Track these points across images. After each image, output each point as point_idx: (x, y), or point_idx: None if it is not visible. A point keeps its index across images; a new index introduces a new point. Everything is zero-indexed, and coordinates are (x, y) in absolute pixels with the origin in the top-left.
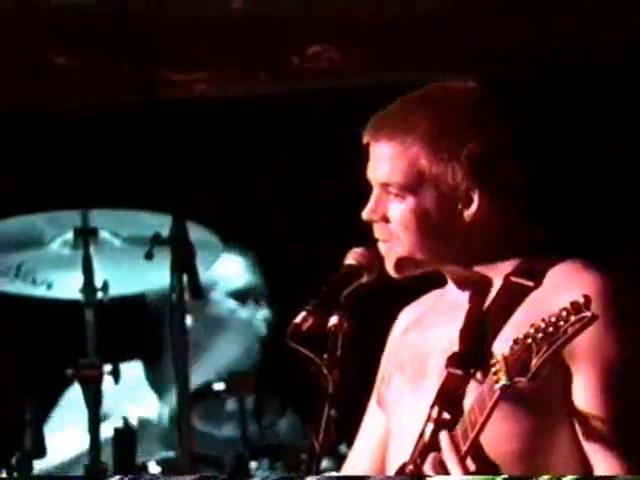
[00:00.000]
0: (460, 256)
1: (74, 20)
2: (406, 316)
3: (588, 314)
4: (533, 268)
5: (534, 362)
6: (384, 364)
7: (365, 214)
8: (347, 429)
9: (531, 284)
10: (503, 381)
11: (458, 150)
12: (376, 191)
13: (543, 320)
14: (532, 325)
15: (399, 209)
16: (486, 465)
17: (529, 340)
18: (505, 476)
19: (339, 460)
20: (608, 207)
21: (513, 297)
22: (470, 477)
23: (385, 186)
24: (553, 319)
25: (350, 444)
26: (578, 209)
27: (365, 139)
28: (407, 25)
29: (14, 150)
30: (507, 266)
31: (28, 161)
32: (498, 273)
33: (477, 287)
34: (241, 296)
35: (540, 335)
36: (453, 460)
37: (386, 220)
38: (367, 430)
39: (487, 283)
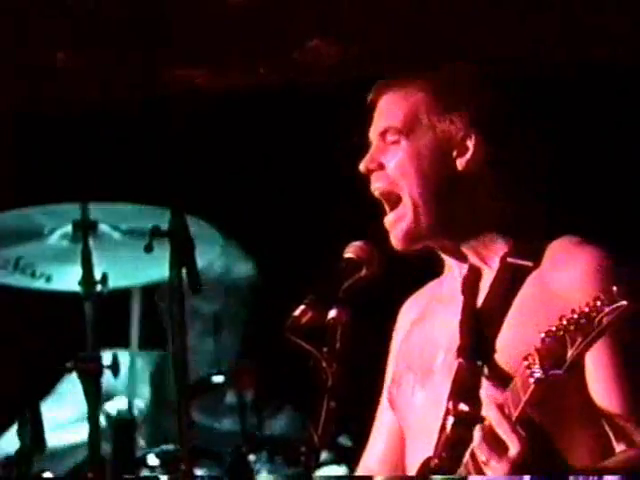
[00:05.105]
0: (457, 229)
1: (76, 15)
2: (409, 311)
3: (624, 303)
4: (530, 247)
5: (570, 353)
6: (393, 364)
7: (362, 165)
8: (346, 422)
9: (530, 264)
10: (538, 374)
11: (459, 104)
12: (374, 143)
13: (573, 311)
14: (562, 317)
15: (395, 154)
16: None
17: (561, 332)
18: None
19: (338, 453)
20: (610, 182)
21: (513, 280)
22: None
23: (383, 134)
24: (586, 309)
25: (349, 437)
26: (580, 185)
27: (370, 98)
28: (407, 20)
29: (14, 143)
30: (503, 245)
31: (28, 154)
32: (494, 253)
33: (469, 276)
34: (240, 289)
35: (572, 327)
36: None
37: (382, 168)
38: (378, 433)
39: (478, 271)
